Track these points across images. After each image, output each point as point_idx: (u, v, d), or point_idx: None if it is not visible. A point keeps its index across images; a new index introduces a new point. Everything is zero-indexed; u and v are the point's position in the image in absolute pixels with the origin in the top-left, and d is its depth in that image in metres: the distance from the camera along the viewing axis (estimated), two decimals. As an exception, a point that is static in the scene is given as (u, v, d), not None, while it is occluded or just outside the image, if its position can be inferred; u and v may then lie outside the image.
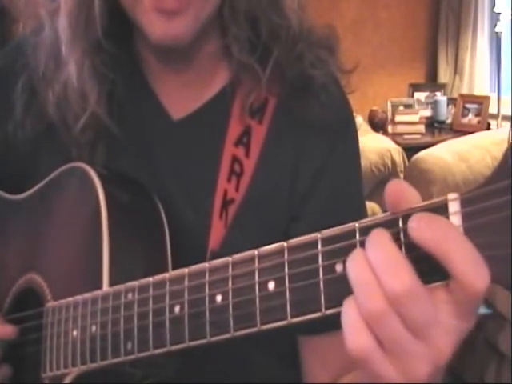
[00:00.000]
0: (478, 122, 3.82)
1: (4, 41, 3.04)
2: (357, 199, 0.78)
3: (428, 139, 3.72)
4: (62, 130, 0.74)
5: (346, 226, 0.46)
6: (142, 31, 0.68)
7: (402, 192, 0.43)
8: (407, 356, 0.42)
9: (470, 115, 3.88)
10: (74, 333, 0.63)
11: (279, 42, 0.71)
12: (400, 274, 0.41)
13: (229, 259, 0.52)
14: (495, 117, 3.69)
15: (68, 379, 0.64)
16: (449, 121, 4.01)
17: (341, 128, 0.76)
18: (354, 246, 0.44)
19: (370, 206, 2.74)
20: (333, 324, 0.45)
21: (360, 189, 0.79)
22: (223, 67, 0.76)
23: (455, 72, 4.14)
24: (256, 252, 0.50)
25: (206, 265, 0.53)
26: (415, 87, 4.24)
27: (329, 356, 0.75)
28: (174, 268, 0.67)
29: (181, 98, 0.76)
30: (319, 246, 0.46)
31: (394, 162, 3.28)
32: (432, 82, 4.31)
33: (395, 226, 0.43)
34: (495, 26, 3.69)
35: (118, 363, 0.59)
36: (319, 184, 0.74)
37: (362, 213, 0.79)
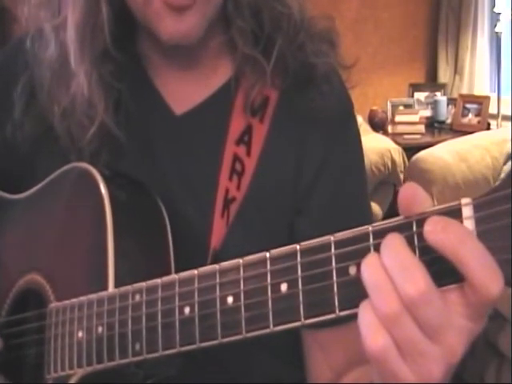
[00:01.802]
0: (478, 122, 3.82)
1: (4, 41, 3.05)
2: (360, 190, 0.79)
3: (428, 139, 3.72)
4: (65, 140, 0.73)
5: (359, 229, 0.46)
6: (153, 31, 0.68)
7: (415, 196, 0.44)
8: (422, 357, 0.43)
9: (470, 115, 3.88)
10: (79, 334, 0.63)
11: (281, 31, 0.72)
12: (414, 278, 0.42)
13: (239, 261, 0.52)
14: (495, 117, 3.69)
15: (73, 380, 0.64)
16: (449, 121, 4.01)
17: (342, 119, 0.77)
18: (367, 249, 0.45)
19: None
20: (337, 319, 0.46)
21: (363, 179, 0.80)
22: (227, 61, 0.76)
23: (455, 72, 4.15)
24: (267, 254, 0.50)
25: (216, 266, 0.53)
26: (415, 87, 4.24)
27: (332, 350, 0.75)
28: (176, 267, 0.68)
29: (183, 92, 0.76)
30: (332, 249, 0.46)
31: (393, 161, 3.28)
32: (432, 82, 4.30)
33: (409, 230, 0.44)
34: (495, 26, 3.70)
35: (124, 364, 0.59)
36: (322, 176, 0.74)
37: (364, 205, 0.80)
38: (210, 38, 0.73)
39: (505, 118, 3.66)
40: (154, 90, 0.77)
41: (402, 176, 3.21)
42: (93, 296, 0.62)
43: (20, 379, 0.74)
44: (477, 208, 0.42)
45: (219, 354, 0.65)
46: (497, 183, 0.41)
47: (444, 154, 2.85)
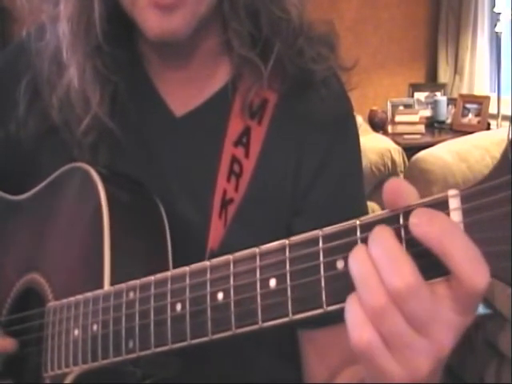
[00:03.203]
0: (478, 122, 3.82)
1: (4, 41, 3.06)
2: (358, 192, 0.79)
3: (428, 139, 3.73)
4: (64, 132, 0.74)
5: (346, 223, 0.46)
6: (141, 28, 0.68)
7: (400, 191, 0.44)
8: (410, 351, 0.42)
9: (470, 115, 3.88)
10: (76, 332, 0.63)
11: (280, 35, 0.71)
12: (401, 271, 0.41)
13: (230, 257, 0.52)
14: (495, 117, 3.69)
15: (69, 378, 0.64)
16: (449, 121, 4.02)
17: (341, 121, 0.77)
18: (354, 243, 0.45)
19: (370, 205, 2.74)
20: (331, 318, 0.46)
21: (361, 182, 0.80)
22: (225, 62, 0.76)
23: (455, 72, 4.15)
24: (257, 250, 0.50)
25: (207, 263, 0.53)
26: (415, 87, 4.24)
27: (327, 349, 0.75)
28: (174, 267, 0.67)
29: (183, 94, 0.76)
30: (320, 243, 0.46)
31: (393, 161, 3.28)
32: (432, 82, 4.31)
33: (396, 223, 0.43)
34: (495, 25, 3.70)
35: (120, 362, 0.59)
36: (321, 178, 0.74)
37: (362, 206, 0.80)
38: (205, 39, 0.73)
39: (505, 118, 3.65)
40: (153, 91, 0.77)
41: (402, 176, 3.21)
42: (89, 294, 0.62)
43: (20, 378, 0.74)
44: (464, 199, 0.41)
45: (218, 354, 0.65)
46: (484, 175, 0.40)
47: (444, 154, 2.84)
